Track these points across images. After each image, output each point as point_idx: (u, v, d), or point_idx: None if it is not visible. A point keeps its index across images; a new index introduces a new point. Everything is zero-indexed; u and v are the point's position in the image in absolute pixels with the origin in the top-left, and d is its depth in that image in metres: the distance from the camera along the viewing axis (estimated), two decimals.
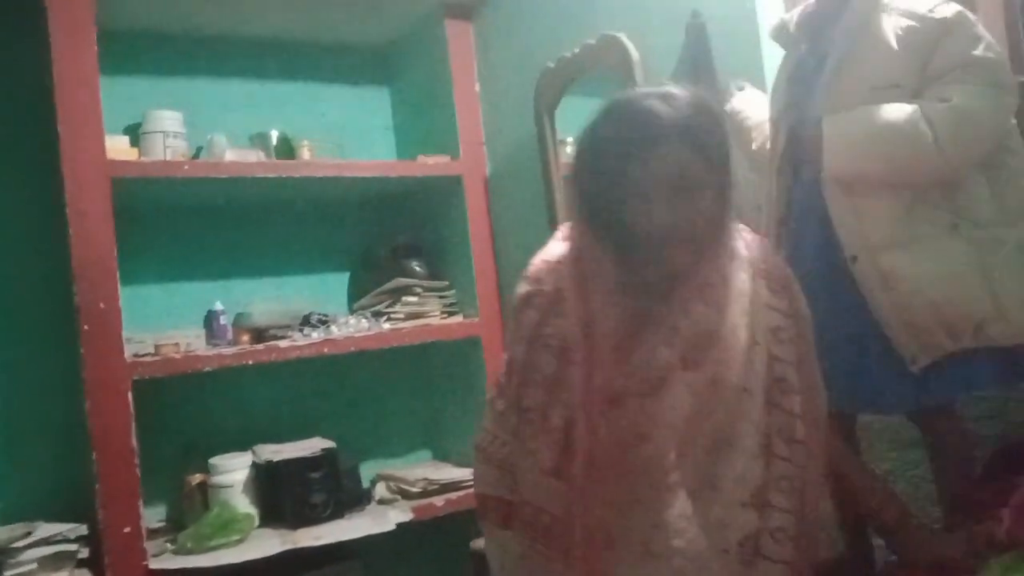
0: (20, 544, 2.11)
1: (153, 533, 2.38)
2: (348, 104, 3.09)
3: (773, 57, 1.99)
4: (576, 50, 2.46)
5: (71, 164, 2.16)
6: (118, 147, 2.34)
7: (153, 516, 2.49)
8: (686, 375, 1.20)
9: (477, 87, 2.93)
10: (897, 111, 1.47)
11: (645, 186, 1.12)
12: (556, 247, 1.35)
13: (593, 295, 1.21)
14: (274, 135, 2.69)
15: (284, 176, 2.48)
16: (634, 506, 1.19)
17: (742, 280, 1.25)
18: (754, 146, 1.84)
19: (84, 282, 2.15)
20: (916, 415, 1.61)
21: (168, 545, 2.35)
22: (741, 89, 1.92)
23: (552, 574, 1.24)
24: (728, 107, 1.89)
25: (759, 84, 2.00)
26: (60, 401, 2.44)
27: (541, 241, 2.64)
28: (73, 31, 2.19)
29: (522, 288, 1.33)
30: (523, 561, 1.29)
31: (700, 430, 1.21)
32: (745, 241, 1.30)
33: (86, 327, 2.14)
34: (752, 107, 1.87)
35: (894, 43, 1.50)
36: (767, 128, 1.78)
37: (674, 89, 1.17)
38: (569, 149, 2.81)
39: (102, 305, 2.16)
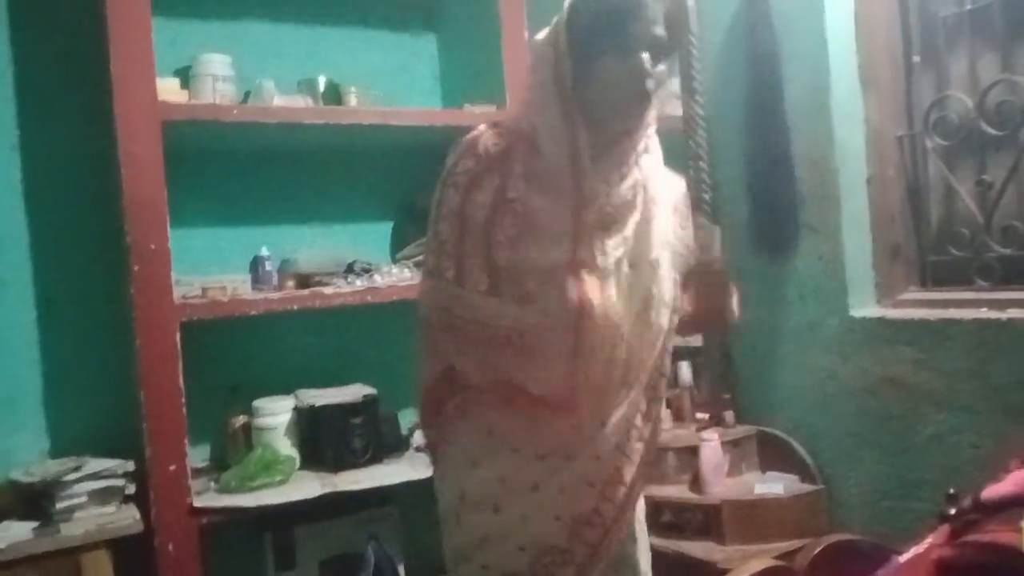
0: (70, 478, 2.17)
1: (197, 472, 2.43)
2: (395, 51, 3.07)
3: (836, 5, 1.94)
4: None
5: (123, 105, 2.17)
6: (169, 89, 2.35)
7: (197, 456, 2.54)
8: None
9: (526, 35, 2.88)
10: None
11: (640, 38, 1.29)
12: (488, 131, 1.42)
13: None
14: (322, 81, 2.67)
15: (331, 123, 2.47)
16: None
17: (665, 206, 1.45)
18: None
19: (135, 223, 2.17)
20: None
21: (212, 484, 2.40)
22: None
23: (536, 421, 1.34)
24: None
25: (819, 35, 1.95)
26: (109, 340, 2.50)
27: None
28: None
29: (468, 159, 1.40)
30: (491, 439, 1.38)
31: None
32: (665, 179, 1.48)
33: (137, 268, 2.16)
34: None
35: None
36: None
37: None
38: None
39: (152, 246, 2.18)
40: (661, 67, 1.33)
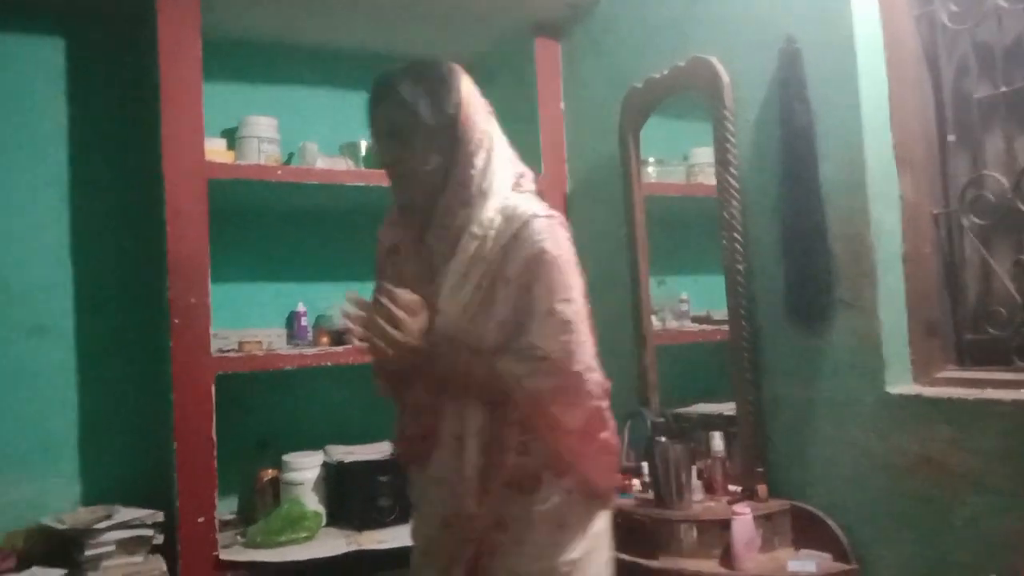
0: (100, 526, 2.19)
1: (224, 525, 2.44)
2: None
3: (870, 85, 1.96)
4: (665, 71, 2.46)
5: (172, 165, 2.25)
6: (215, 150, 2.43)
7: (224, 507, 2.55)
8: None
9: (562, 105, 2.94)
10: None
11: (377, 123, 1.51)
12: None
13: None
14: (363, 144, 2.75)
15: (371, 184, 2.53)
16: None
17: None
18: None
19: (177, 278, 2.23)
20: None
21: (238, 538, 2.41)
22: None
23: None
24: None
25: (854, 113, 1.97)
26: (145, 391, 2.54)
27: (619, 258, 2.68)
28: (180, 40, 2.29)
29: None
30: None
31: None
32: (504, 215, 1.50)
33: (176, 321, 2.21)
34: None
35: None
36: None
37: (420, 62, 1.52)
38: (651, 169, 2.80)
39: (193, 300, 2.24)
40: (417, 147, 1.47)
